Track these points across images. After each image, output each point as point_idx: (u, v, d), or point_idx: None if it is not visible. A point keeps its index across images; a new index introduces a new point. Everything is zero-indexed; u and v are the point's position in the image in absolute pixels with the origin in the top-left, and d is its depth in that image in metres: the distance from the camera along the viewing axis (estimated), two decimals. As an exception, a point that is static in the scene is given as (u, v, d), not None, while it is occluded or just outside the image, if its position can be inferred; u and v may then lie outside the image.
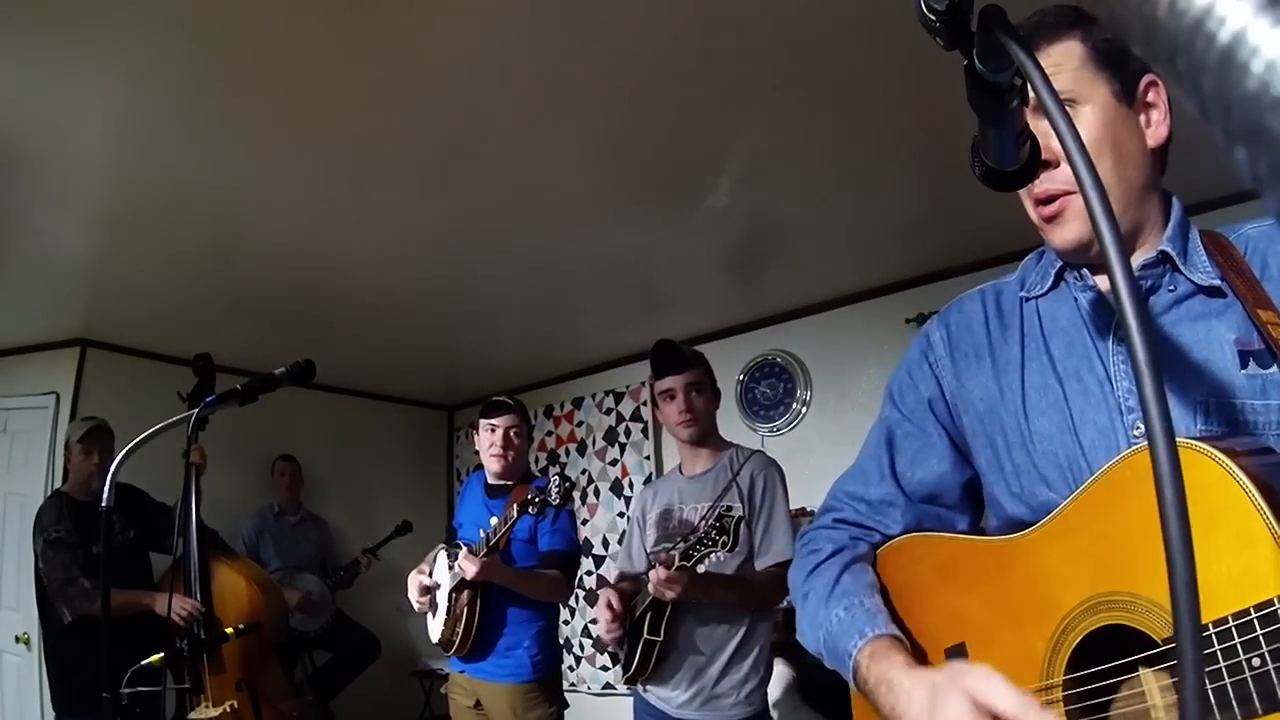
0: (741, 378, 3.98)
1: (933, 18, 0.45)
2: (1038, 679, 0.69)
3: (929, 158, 2.44)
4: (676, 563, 1.79)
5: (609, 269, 3.31)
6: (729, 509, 1.85)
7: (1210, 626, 0.55)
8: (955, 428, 0.91)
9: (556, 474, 2.16)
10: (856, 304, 3.67)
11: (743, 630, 1.92)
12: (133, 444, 1.48)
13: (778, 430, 3.84)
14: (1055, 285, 0.84)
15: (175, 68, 1.87)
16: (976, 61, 0.47)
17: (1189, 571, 0.27)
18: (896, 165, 2.52)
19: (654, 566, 1.84)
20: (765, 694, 1.98)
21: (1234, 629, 0.54)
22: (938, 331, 0.95)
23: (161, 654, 1.72)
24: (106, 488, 1.43)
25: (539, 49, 1.89)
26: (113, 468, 1.44)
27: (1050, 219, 0.77)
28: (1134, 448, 0.66)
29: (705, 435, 2.09)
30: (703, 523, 1.90)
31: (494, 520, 2.22)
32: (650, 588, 1.83)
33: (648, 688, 2.00)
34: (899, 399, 0.96)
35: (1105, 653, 0.65)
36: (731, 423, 3.80)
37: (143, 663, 1.66)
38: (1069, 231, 0.76)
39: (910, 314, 3.39)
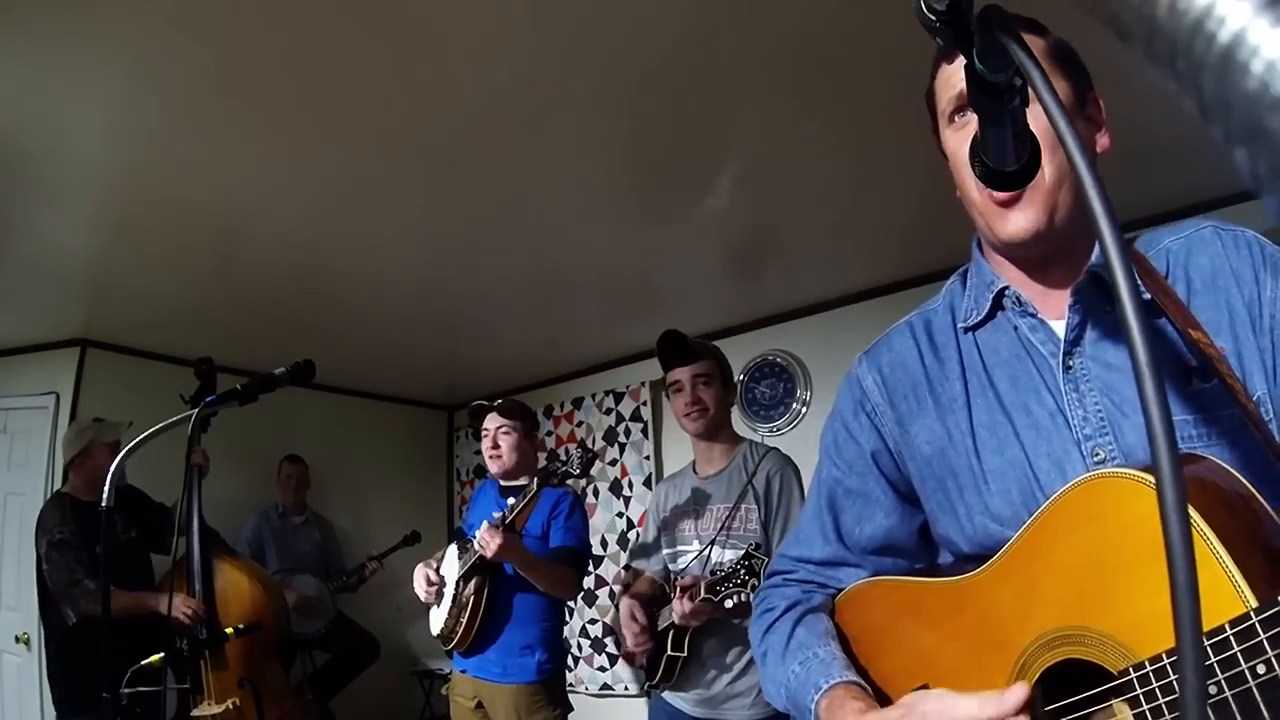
0: (741, 378, 3.98)
1: (933, 18, 0.45)
2: None
3: (929, 158, 2.41)
4: (703, 595, 1.76)
5: (609, 269, 3.31)
6: (756, 546, 1.80)
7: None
8: (901, 476, 0.88)
9: (578, 445, 2.08)
10: (856, 304, 3.67)
11: None
12: (133, 444, 1.48)
13: (778, 430, 3.84)
14: (992, 314, 0.82)
15: (176, 68, 1.87)
16: (976, 61, 0.47)
17: (1189, 573, 0.27)
18: (896, 165, 2.51)
19: (675, 588, 1.84)
20: None
21: (1232, 638, 0.53)
22: (870, 376, 0.91)
23: (161, 654, 1.73)
24: (107, 487, 1.43)
25: (539, 49, 1.89)
26: (113, 467, 1.44)
27: (1008, 203, 0.73)
28: (1073, 481, 0.65)
29: (716, 430, 2.04)
30: (729, 559, 1.84)
31: (511, 500, 2.20)
32: (675, 617, 1.83)
33: (666, 690, 2.00)
34: (836, 455, 0.93)
35: (1063, 687, 0.65)
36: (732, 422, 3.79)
37: (142, 663, 1.66)
38: (1026, 219, 0.72)
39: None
